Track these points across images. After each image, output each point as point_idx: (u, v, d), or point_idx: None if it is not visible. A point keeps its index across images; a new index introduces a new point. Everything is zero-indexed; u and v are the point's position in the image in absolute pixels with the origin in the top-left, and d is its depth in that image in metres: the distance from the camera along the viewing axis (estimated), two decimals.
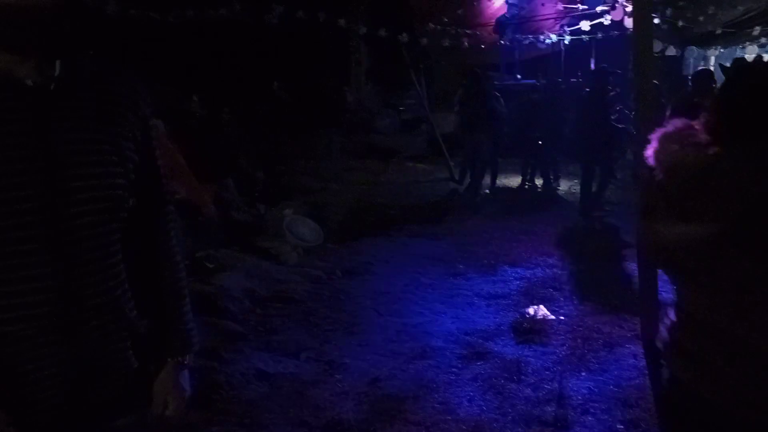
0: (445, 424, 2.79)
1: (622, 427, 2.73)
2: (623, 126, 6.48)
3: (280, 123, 7.91)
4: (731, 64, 3.86)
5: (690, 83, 6.13)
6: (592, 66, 9.42)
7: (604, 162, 6.61)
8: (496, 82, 9.47)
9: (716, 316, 1.25)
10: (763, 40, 9.31)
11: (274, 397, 2.98)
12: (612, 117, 6.46)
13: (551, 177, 8.19)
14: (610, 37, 8.22)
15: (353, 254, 5.33)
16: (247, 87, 7.98)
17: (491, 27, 10.41)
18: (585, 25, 8.05)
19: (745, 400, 1.21)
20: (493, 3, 10.22)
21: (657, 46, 9.09)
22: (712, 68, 10.55)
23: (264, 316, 3.95)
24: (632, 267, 4.35)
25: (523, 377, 3.19)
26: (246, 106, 7.50)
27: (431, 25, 8.43)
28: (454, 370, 3.30)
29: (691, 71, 9.82)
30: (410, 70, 9.33)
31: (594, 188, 6.76)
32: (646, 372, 3.18)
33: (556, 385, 3.07)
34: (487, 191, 8.02)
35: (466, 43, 8.14)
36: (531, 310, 3.98)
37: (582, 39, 8.49)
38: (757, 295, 1.19)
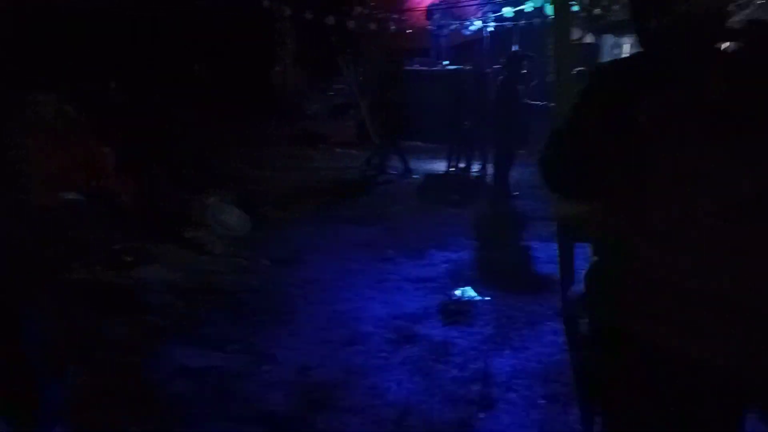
0: (375, 409, 2.81)
1: (543, 401, 2.84)
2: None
3: (204, 108, 7.63)
4: None
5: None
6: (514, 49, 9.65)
7: (512, 145, 6.80)
8: (423, 67, 9.51)
9: (690, 276, 1.32)
10: None
11: (200, 392, 2.89)
12: (525, 101, 6.66)
13: (477, 162, 8.35)
14: (532, 23, 8.46)
15: (282, 242, 5.25)
16: (168, 70, 7.63)
17: (420, 12, 10.46)
18: (508, 11, 8.23)
19: (719, 350, 1.30)
20: None
21: (575, 33, 9.44)
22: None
23: (188, 309, 3.82)
24: (552, 246, 4.51)
25: (450, 358, 3.26)
26: (168, 91, 7.17)
27: (358, 9, 8.37)
28: (383, 354, 3.32)
29: (607, 58, 10.28)
30: (338, 54, 9.23)
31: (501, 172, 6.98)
32: (566, 347, 3.33)
33: (482, 364, 3.16)
34: (416, 176, 8.13)
35: (393, 27, 8.15)
36: (458, 292, 4.07)
37: (505, 25, 8.69)
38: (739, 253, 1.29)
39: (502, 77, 6.98)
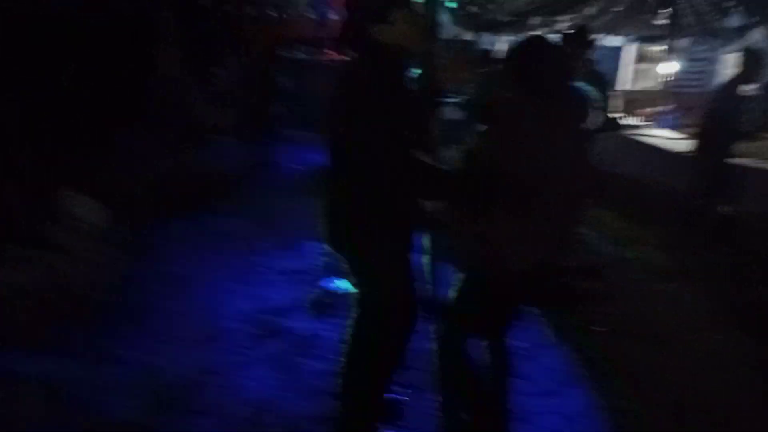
0: (229, 407, 2.65)
1: (409, 390, 2.81)
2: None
3: (72, 117, 6.88)
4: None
5: None
6: None
7: None
8: (308, 56, 9.28)
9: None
10: (545, 28, 10.42)
11: (23, 402, 2.57)
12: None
13: None
14: None
15: (146, 237, 4.88)
16: (27, 79, 6.77)
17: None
18: None
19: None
20: None
21: (454, 31, 9.69)
22: None
23: (29, 314, 3.40)
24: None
25: (314, 351, 3.17)
26: (27, 100, 6.37)
27: None
28: (244, 351, 3.16)
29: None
30: (224, 45, 8.80)
31: None
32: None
33: None
34: (298, 166, 7.95)
35: (275, 16, 7.88)
36: (329, 284, 3.98)
37: None
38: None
39: None
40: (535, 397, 2.85)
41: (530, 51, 2.05)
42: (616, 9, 8.60)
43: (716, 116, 5.07)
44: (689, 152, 7.03)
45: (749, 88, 4.97)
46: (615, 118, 4.76)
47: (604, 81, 4.27)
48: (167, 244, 4.72)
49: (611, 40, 9.65)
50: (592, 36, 4.52)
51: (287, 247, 4.72)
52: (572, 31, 4.22)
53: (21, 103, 6.51)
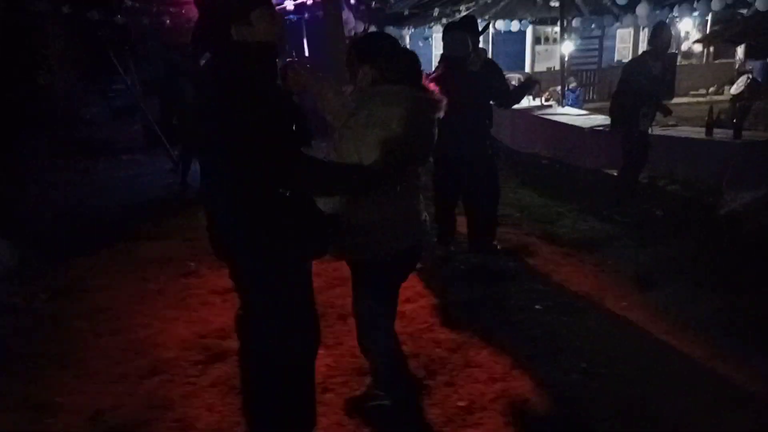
0: None
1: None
2: None
3: None
4: None
5: None
6: (305, 43, 9.66)
7: None
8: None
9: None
10: (444, 20, 10.69)
11: None
12: None
13: None
14: (316, 17, 8.51)
15: (62, 271, 4.60)
16: None
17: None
18: (289, 4, 8.19)
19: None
20: None
21: (359, 26, 9.75)
22: (408, 46, 11.69)
23: None
24: None
25: None
26: None
27: (128, 2, 7.65)
28: (191, 379, 3.07)
29: None
30: (110, 52, 8.36)
31: None
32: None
33: None
34: None
35: (168, 22, 7.61)
36: None
37: (290, 18, 8.64)
38: None
39: None
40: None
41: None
42: None
43: (628, 90, 5.43)
44: (596, 127, 7.49)
45: (657, 62, 5.35)
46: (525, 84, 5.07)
47: (498, 68, 4.54)
48: (91, 276, 4.47)
49: (512, 25, 10.07)
50: (481, 23, 4.74)
51: (221, 266, 4.58)
52: (459, 20, 4.39)
53: None
